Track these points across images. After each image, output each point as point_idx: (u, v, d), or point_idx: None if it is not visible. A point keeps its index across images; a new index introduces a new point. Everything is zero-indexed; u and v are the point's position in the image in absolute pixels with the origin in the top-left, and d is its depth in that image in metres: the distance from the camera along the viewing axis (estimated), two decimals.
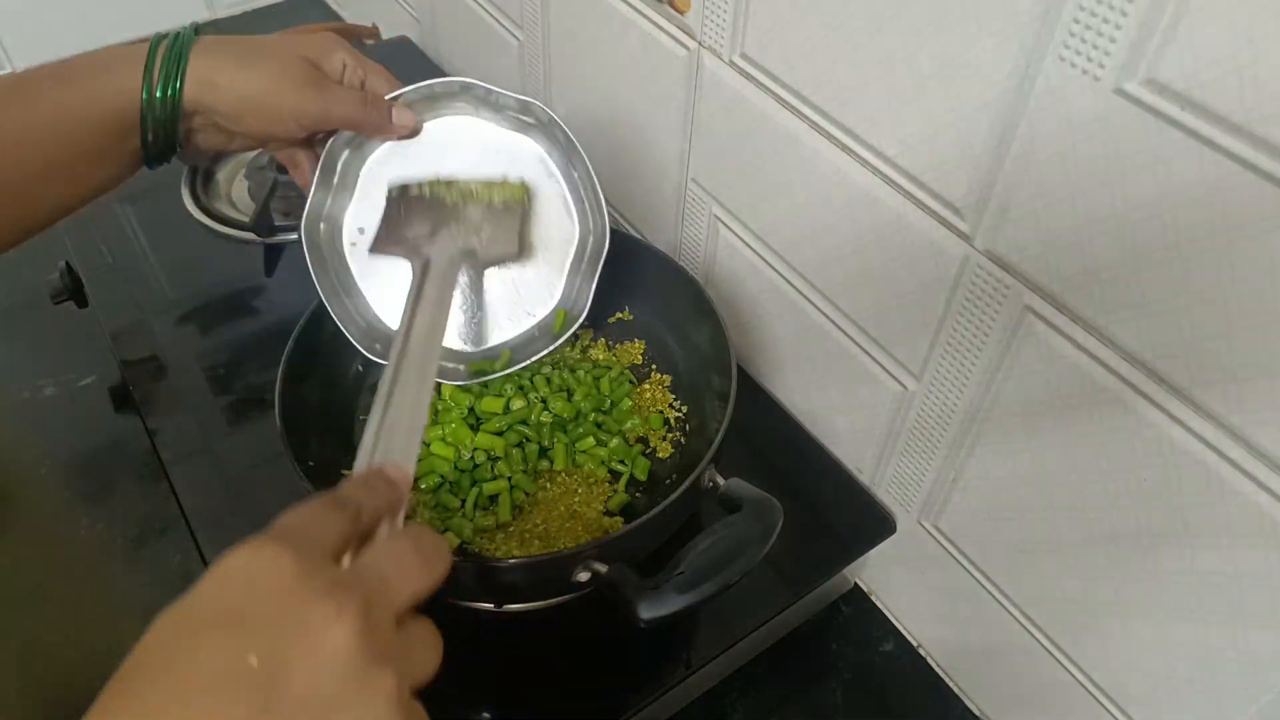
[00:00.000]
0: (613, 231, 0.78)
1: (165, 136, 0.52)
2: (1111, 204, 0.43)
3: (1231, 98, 0.37)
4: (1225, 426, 0.43)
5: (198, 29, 0.53)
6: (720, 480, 0.56)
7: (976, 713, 0.68)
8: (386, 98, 0.59)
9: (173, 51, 0.51)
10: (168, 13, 1.28)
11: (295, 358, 0.63)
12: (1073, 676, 0.58)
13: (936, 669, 0.70)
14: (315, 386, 0.67)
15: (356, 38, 1.25)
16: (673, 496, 0.55)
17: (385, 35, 1.24)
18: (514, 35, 0.91)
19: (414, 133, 0.60)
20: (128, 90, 0.50)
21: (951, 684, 0.69)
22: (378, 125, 0.58)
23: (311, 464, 0.61)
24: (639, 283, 0.72)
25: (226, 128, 0.54)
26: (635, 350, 0.74)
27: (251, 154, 0.95)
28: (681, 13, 0.66)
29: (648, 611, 0.48)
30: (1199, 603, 0.47)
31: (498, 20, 0.93)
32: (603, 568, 0.51)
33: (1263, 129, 0.36)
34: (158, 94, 0.50)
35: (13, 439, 0.82)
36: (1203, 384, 0.43)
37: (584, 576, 0.52)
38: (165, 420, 0.74)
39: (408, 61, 1.14)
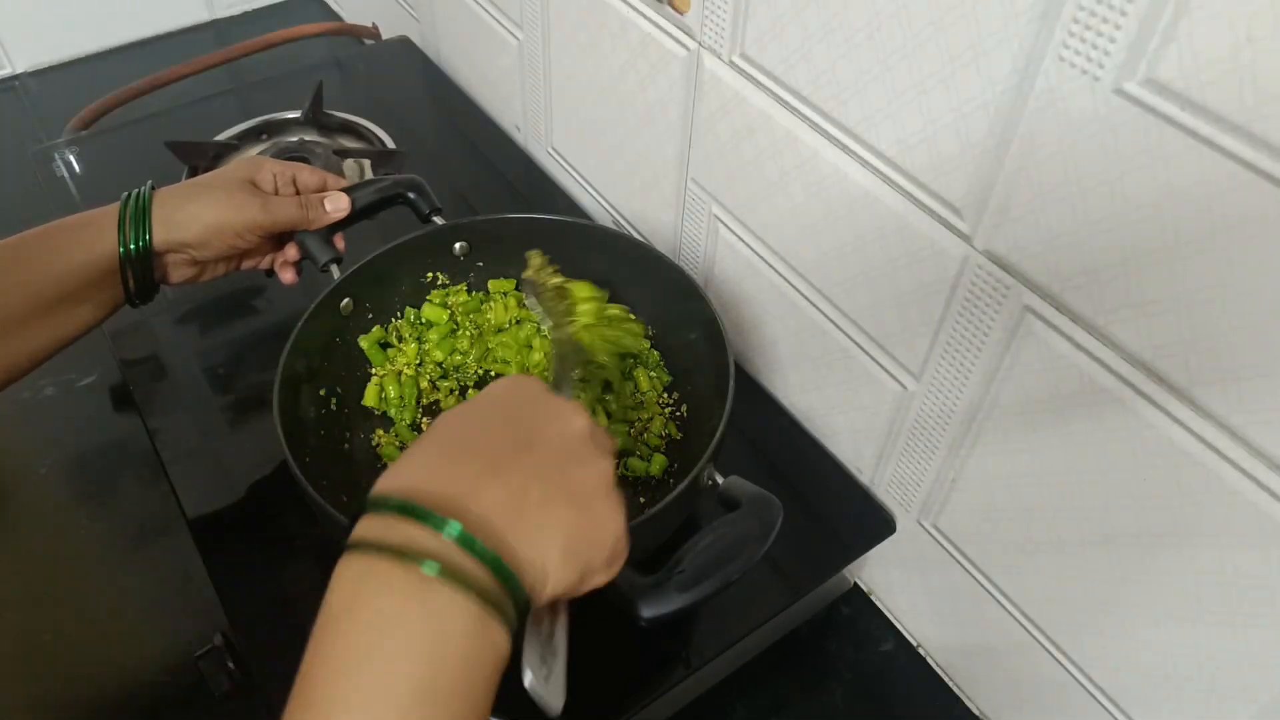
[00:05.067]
0: (613, 231, 0.78)
1: (143, 278, 0.61)
2: (1111, 204, 0.43)
3: (1231, 98, 0.37)
4: (1225, 426, 0.43)
5: (154, 186, 0.62)
6: (719, 478, 0.56)
7: (976, 712, 0.68)
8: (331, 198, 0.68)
9: (137, 207, 0.60)
10: (168, 13, 1.28)
11: (294, 358, 0.63)
12: (1072, 676, 0.58)
13: (936, 669, 0.70)
14: (314, 386, 0.67)
15: (356, 37, 1.26)
16: (673, 494, 0.55)
17: (385, 35, 1.24)
18: (514, 35, 0.91)
19: (348, 212, 0.68)
20: (106, 244, 0.59)
21: (951, 684, 0.69)
22: (316, 218, 0.67)
23: (309, 461, 0.61)
24: (639, 283, 0.72)
25: (197, 258, 0.64)
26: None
27: (252, 153, 0.95)
28: (681, 13, 0.66)
29: (649, 610, 0.48)
30: (1198, 602, 0.47)
31: (498, 20, 0.93)
32: None
33: (1262, 129, 0.36)
34: (131, 246, 0.59)
35: (13, 439, 0.82)
36: (1202, 384, 0.43)
37: None
38: (165, 420, 0.74)
39: (407, 62, 1.14)
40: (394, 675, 0.33)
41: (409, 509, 0.35)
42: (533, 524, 0.37)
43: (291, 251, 0.69)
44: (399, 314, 0.74)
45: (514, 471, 0.39)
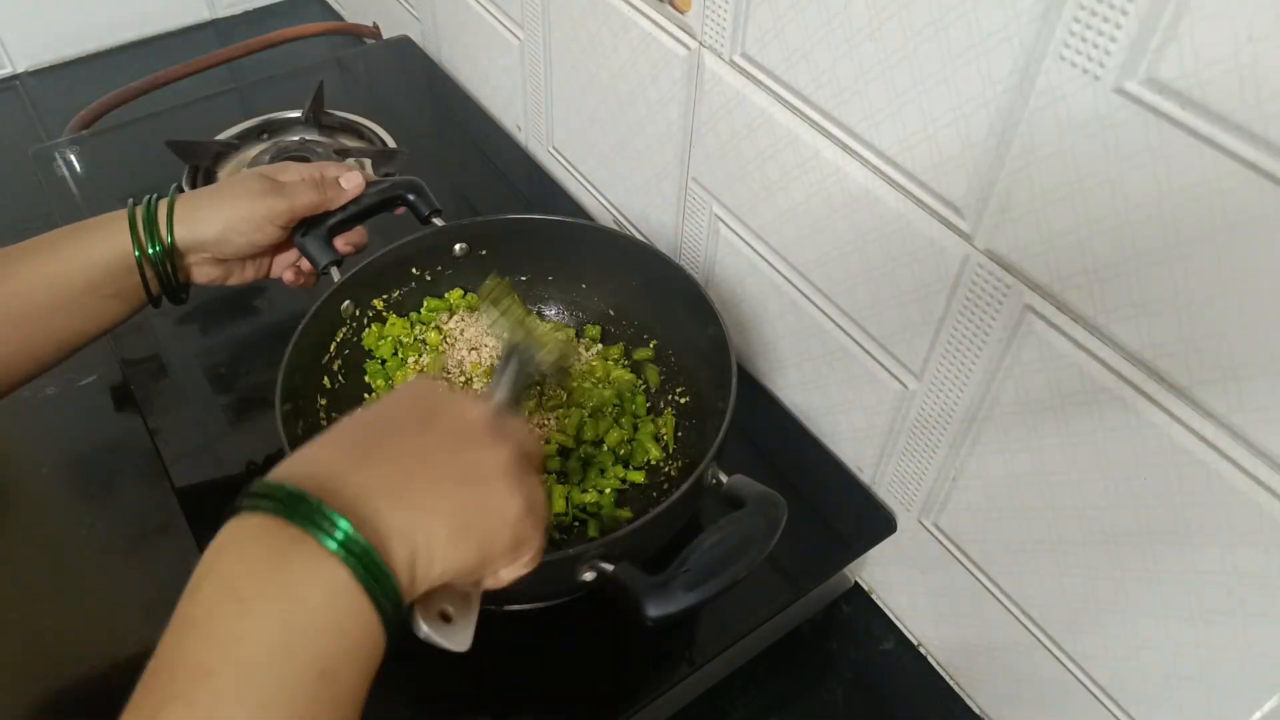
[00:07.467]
0: (614, 231, 0.78)
1: (166, 280, 0.62)
2: (1112, 203, 0.43)
3: (1232, 97, 0.37)
4: (1225, 425, 0.43)
5: (180, 187, 0.62)
6: (724, 477, 0.56)
7: (977, 711, 0.68)
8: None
9: (148, 212, 0.61)
10: (168, 12, 1.28)
11: (297, 358, 0.63)
12: (1073, 675, 0.58)
13: (937, 667, 0.70)
14: (316, 387, 0.67)
15: (357, 36, 1.26)
16: (679, 492, 0.55)
17: (385, 34, 1.24)
18: (514, 35, 0.91)
19: (364, 188, 0.68)
20: (120, 243, 0.60)
21: (952, 682, 0.69)
22: (334, 197, 0.67)
23: None
24: (640, 283, 0.72)
25: (220, 256, 0.65)
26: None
27: (252, 153, 0.95)
28: (682, 12, 0.66)
29: (656, 609, 0.47)
30: (1199, 601, 0.47)
31: (498, 20, 0.93)
32: (608, 567, 0.51)
33: (1263, 128, 0.36)
34: (149, 250, 0.60)
35: (13, 439, 0.82)
36: (1203, 383, 0.43)
37: (589, 576, 0.52)
38: (166, 419, 0.74)
39: (408, 61, 1.14)
40: (241, 634, 0.32)
41: (294, 496, 0.35)
42: (414, 501, 0.37)
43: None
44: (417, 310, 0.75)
45: (402, 453, 0.39)
